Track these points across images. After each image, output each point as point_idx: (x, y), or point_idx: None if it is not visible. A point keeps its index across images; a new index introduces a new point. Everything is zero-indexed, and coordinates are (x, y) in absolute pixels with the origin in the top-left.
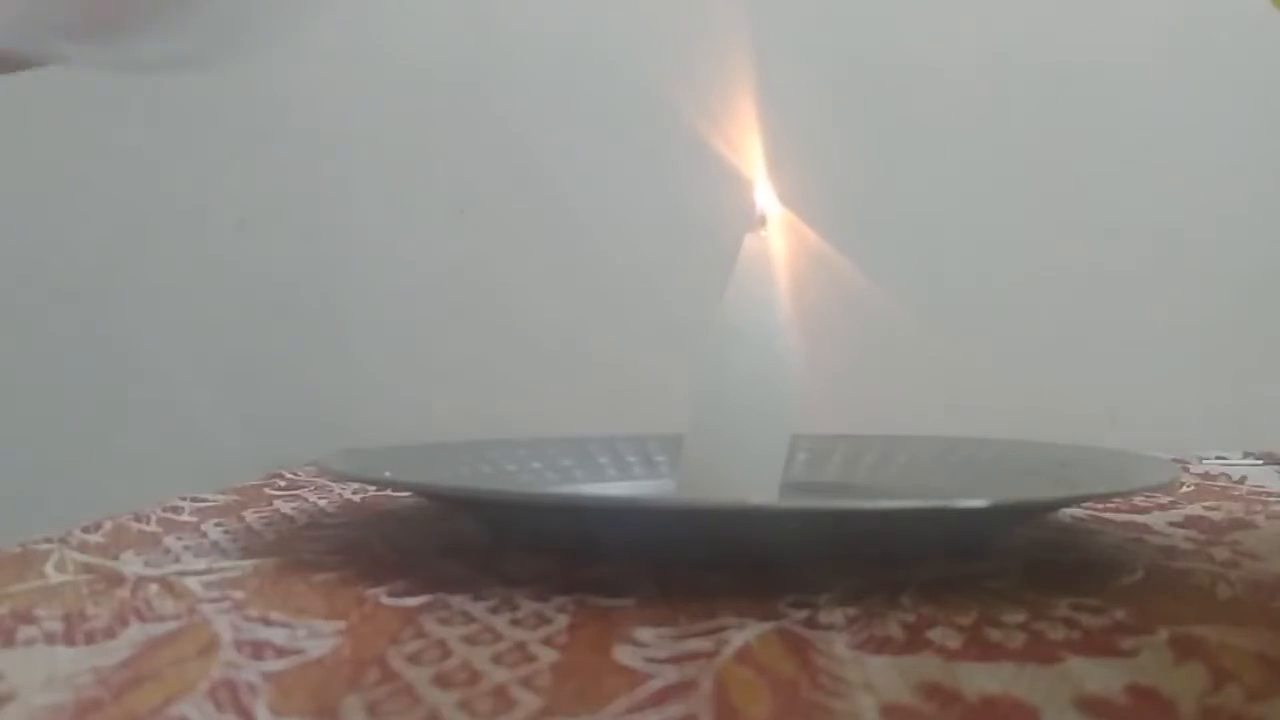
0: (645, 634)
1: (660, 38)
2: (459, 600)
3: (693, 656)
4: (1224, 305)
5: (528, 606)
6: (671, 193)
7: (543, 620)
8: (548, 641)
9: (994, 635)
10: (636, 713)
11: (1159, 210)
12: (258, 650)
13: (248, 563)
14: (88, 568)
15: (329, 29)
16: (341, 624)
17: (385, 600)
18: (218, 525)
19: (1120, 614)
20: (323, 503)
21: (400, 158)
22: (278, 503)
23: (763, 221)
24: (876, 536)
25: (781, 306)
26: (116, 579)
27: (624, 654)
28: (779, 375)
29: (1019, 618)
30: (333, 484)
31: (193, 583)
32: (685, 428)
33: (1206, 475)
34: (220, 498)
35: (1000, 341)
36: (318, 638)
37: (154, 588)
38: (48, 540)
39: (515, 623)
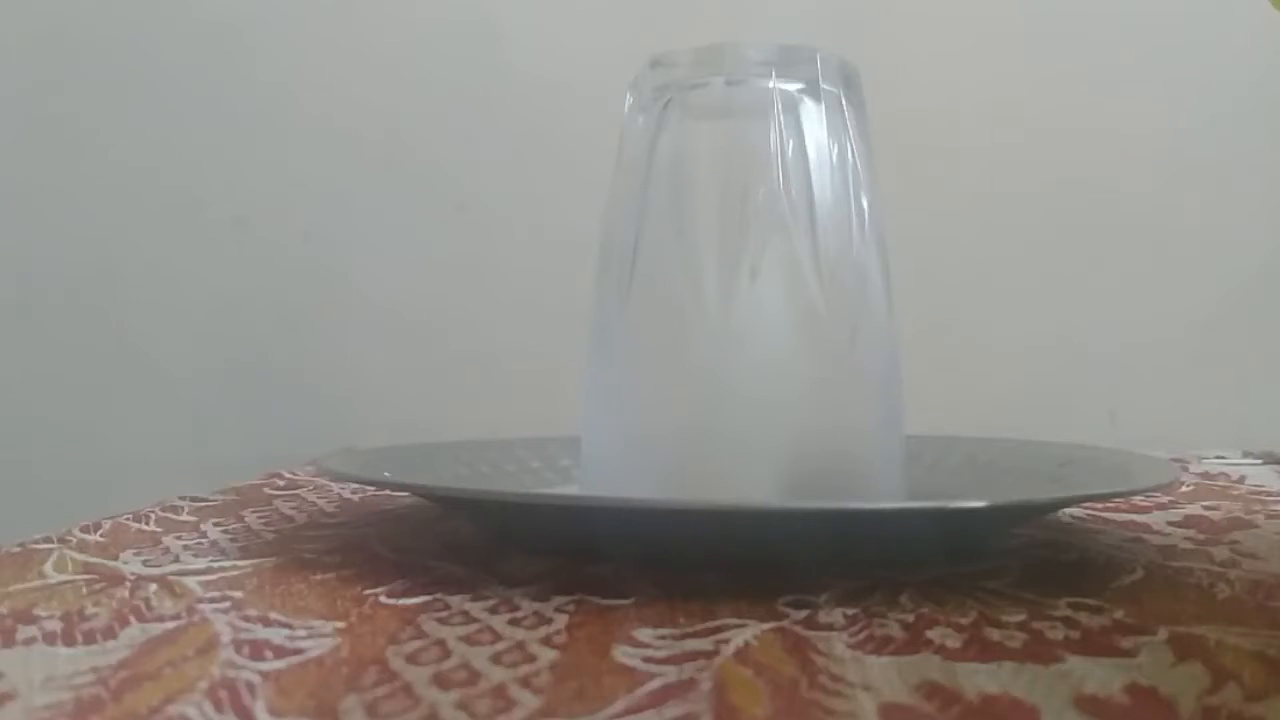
0: (645, 634)
1: (659, 39)
2: (458, 600)
3: (692, 656)
4: (1224, 305)
5: (527, 606)
6: None
7: (542, 620)
8: (547, 641)
9: (994, 635)
10: (636, 713)
11: (1159, 211)
12: (257, 650)
13: (247, 563)
14: (87, 567)
15: (329, 28)
16: (341, 624)
17: (384, 600)
18: (217, 525)
19: (1120, 614)
20: (322, 503)
21: (400, 157)
22: (277, 503)
23: None
24: (876, 536)
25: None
26: (116, 579)
27: (623, 654)
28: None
29: (1018, 617)
30: (332, 484)
31: (192, 582)
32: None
33: (1206, 475)
34: (220, 498)
35: (1000, 341)
36: (317, 637)
37: (153, 587)
38: (48, 540)
39: (514, 622)
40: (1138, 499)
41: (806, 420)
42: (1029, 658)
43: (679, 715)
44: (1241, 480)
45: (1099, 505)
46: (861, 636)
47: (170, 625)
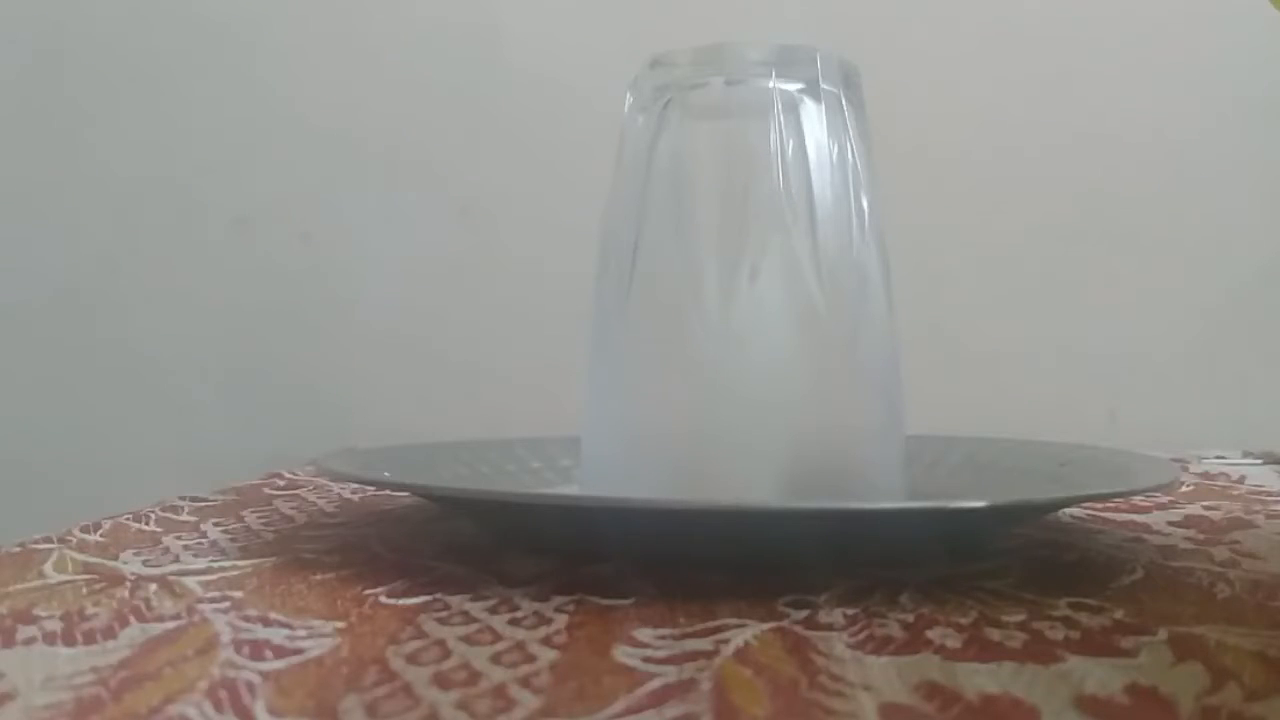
0: (645, 634)
1: (659, 39)
2: (458, 600)
3: (692, 656)
4: (1224, 306)
5: (527, 606)
6: None
7: (542, 620)
8: (547, 641)
9: (994, 635)
10: (636, 713)
11: (1159, 210)
12: (257, 650)
13: (247, 563)
14: (87, 567)
15: (329, 29)
16: (340, 624)
17: (384, 600)
18: (217, 525)
19: (1120, 614)
20: (322, 503)
21: (400, 158)
22: (277, 503)
23: None
24: (876, 536)
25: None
26: (116, 579)
27: (623, 654)
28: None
29: (1018, 617)
30: (332, 484)
31: (192, 582)
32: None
33: (1206, 475)
34: (219, 498)
35: (1000, 341)
36: (317, 637)
37: (153, 587)
38: (48, 540)
39: (514, 622)
40: (1138, 499)
41: (806, 420)
42: (1029, 658)
43: (679, 715)
44: (1241, 480)
45: (1099, 505)
46: (861, 636)
47: (170, 625)
